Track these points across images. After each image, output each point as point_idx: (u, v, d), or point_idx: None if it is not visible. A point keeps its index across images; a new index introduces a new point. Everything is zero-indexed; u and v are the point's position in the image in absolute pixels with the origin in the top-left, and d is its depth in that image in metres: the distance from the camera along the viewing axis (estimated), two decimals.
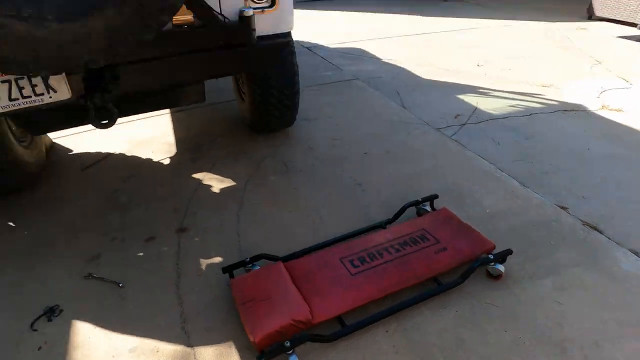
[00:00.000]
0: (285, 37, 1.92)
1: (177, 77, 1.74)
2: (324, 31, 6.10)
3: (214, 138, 3.05)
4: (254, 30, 1.73)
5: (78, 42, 1.15)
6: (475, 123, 3.13)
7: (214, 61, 1.72)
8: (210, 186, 2.50)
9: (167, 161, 2.82)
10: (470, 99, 3.58)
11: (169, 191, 2.47)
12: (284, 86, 2.53)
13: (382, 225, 2.00)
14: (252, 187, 2.46)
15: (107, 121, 1.52)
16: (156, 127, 3.24)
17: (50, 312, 1.68)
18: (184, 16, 1.60)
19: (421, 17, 6.88)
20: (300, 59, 4.80)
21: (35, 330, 1.62)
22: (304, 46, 5.33)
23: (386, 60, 4.69)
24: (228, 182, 2.52)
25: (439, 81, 4.00)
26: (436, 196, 2.12)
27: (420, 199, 2.09)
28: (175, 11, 1.24)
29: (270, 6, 1.83)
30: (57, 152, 2.99)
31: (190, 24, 1.65)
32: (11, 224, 2.31)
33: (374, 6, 7.79)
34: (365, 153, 2.76)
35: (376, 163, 2.64)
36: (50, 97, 1.52)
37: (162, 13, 1.20)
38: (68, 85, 1.51)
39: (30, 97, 1.50)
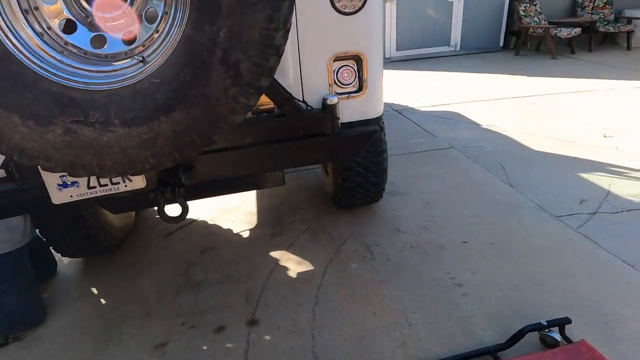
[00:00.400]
0: (373, 124, 1.70)
1: (254, 167, 1.59)
2: (416, 93, 5.89)
3: (295, 210, 2.88)
4: (338, 119, 1.53)
5: (143, 146, 1.03)
6: (610, 213, 2.53)
7: (294, 151, 1.55)
8: (286, 269, 2.29)
9: (246, 234, 2.70)
10: (598, 179, 2.97)
11: (245, 271, 2.30)
12: (370, 164, 2.29)
13: (492, 354, 1.57)
14: (332, 275, 2.19)
15: (177, 216, 1.39)
16: (240, 194, 3.18)
17: None
18: (264, 103, 1.46)
19: (525, 77, 6.35)
20: (391, 124, 4.60)
21: None
22: (394, 109, 5.14)
23: (486, 127, 4.28)
24: (306, 266, 2.29)
25: (553, 154, 3.47)
26: (568, 320, 1.63)
27: (545, 322, 1.61)
28: (248, 111, 1.08)
29: (358, 91, 1.63)
30: (145, 214, 3.05)
31: (270, 111, 1.50)
32: (94, 289, 2.33)
33: (471, 65, 7.44)
34: (465, 242, 2.36)
35: (479, 257, 2.22)
36: (126, 186, 1.46)
37: (234, 114, 1.05)
38: (143, 175, 1.43)
39: (107, 185, 1.45)
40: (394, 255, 2.28)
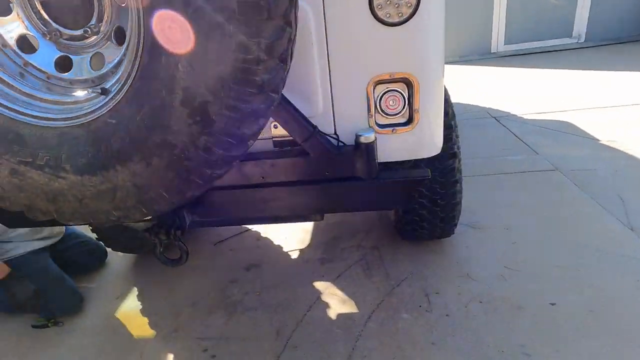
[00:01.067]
0: (429, 165, 1.32)
1: (273, 209, 1.33)
2: (522, 95, 5.10)
3: (353, 233, 2.60)
4: (375, 160, 1.19)
5: (101, 198, 0.84)
6: None
7: (320, 196, 1.25)
8: (327, 306, 2.03)
9: (295, 254, 2.50)
10: None
11: (283, 300, 2.12)
12: (438, 197, 1.89)
13: None
14: (376, 323, 1.88)
15: (175, 259, 1.21)
16: None
17: None
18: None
19: None
20: (484, 134, 4.01)
21: None
22: (491, 115, 4.50)
23: (605, 142, 3.48)
24: (349, 307, 2.01)
25: None
26: None
27: None
28: (233, 161, 0.83)
29: (407, 123, 1.25)
30: None
31: (292, 145, 1.22)
32: (135, 289, 2.39)
33: (596, 61, 6.23)
34: (552, 304, 1.85)
35: (568, 329, 1.72)
36: None
37: (210, 167, 0.80)
38: None
39: None
40: (456, 310, 1.88)
